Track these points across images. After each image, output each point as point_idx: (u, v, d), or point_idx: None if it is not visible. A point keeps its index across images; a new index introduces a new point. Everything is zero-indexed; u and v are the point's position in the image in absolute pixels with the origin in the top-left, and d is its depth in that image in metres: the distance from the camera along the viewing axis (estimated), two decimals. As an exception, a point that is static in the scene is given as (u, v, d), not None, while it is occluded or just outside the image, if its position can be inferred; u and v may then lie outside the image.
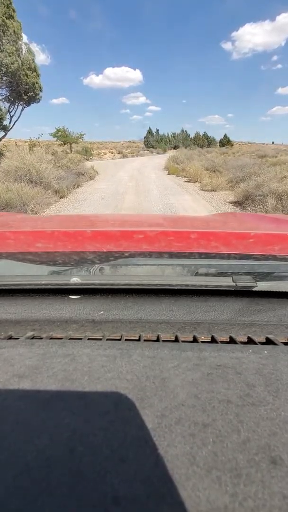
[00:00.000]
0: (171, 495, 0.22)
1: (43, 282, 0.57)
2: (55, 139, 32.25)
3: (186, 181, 11.36)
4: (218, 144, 67.80)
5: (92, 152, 27.55)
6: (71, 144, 32.07)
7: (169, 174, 13.68)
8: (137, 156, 34.46)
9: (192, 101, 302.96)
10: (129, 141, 65.45)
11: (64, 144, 32.71)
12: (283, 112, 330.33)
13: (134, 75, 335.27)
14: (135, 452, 0.25)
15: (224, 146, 63.61)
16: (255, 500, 0.22)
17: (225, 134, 73.94)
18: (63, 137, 31.84)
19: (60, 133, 31.70)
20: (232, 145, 67.14)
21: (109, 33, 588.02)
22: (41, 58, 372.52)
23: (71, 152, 30.47)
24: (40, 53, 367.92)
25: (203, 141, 63.27)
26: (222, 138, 72.17)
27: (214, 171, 12.30)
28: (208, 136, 69.31)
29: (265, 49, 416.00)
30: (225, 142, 70.02)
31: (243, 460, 0.25)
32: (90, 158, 25.98)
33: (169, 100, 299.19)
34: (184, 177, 12.31)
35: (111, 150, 40.17)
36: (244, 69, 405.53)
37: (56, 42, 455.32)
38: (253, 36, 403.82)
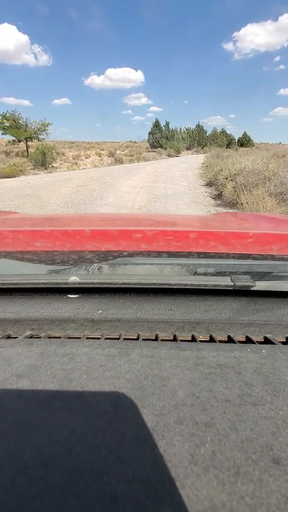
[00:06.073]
0: (170, 494, 0.22)
1: (41, 281, 0.57)
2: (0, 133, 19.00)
3: None
4: (237, 143, 56.58)
5: (59, 154, 15.29)
6: (27, 141, 18.98)
7: None
8: (138, 161, 22.41)
9: (193, 101, 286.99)
10: (130, 141, 53.69)
11: (19, 141, 19.65)
12: (285, 113, 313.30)
13: (136, 75, 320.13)
14: (134, 452, 0.25)
15: (242, 146, 52.47)
16: (253, 498, 0.22)
17: (245, 132, 62.57)
18: (12, 128, 18.31)
19: (6, 122, 18.28)
20: (254, 145, 55.90)
21: (110, 34, 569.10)
22: (43, 59, 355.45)
23: (27, 153, 18.42)
24: (42, 54, 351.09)
25: (222, 140, 51.34)
26: (240, 137, 61.13)
27: None
28: (228, 134, 57.38)
29: (267, 49, 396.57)
30: (245, 141, 58.83)
31: (241, 459, 0.25)
32: (51, 166, 13.82)
33: (170, 101, 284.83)
34: None
35: (100, 152, 28.15)
36: (246, 70, 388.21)
37: (58, 43, 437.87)
38: (255, 36, 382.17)
